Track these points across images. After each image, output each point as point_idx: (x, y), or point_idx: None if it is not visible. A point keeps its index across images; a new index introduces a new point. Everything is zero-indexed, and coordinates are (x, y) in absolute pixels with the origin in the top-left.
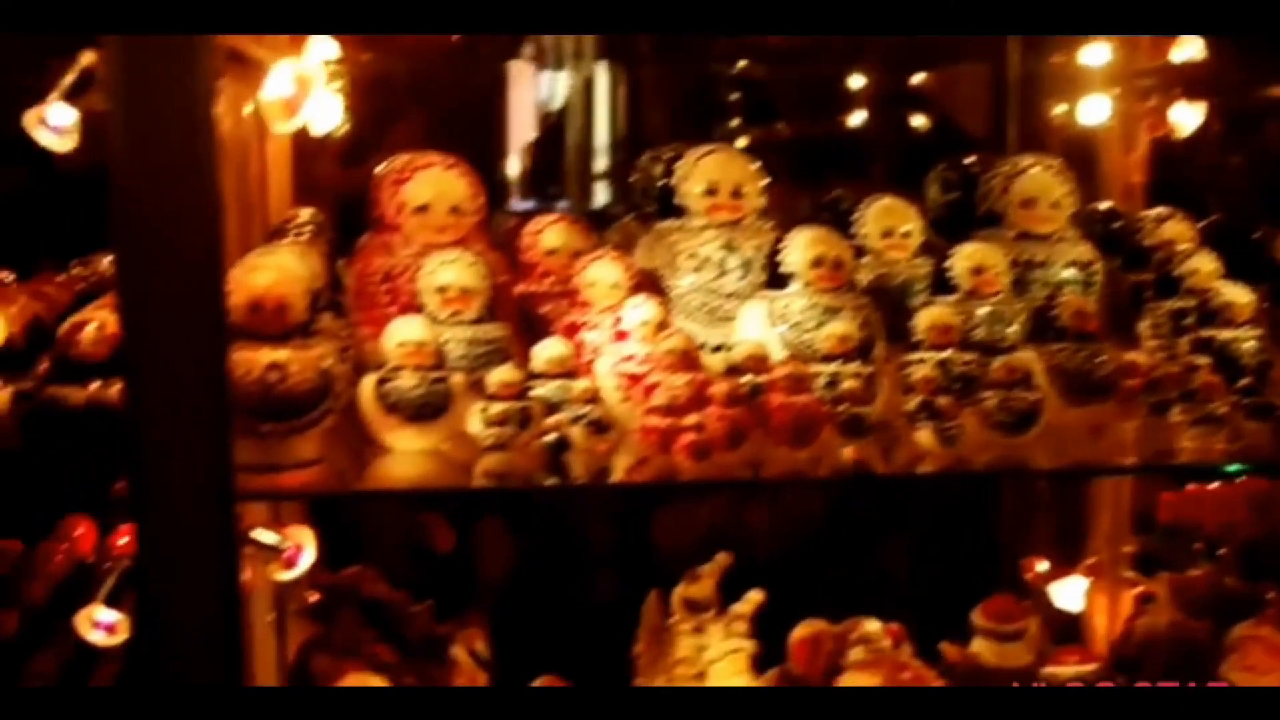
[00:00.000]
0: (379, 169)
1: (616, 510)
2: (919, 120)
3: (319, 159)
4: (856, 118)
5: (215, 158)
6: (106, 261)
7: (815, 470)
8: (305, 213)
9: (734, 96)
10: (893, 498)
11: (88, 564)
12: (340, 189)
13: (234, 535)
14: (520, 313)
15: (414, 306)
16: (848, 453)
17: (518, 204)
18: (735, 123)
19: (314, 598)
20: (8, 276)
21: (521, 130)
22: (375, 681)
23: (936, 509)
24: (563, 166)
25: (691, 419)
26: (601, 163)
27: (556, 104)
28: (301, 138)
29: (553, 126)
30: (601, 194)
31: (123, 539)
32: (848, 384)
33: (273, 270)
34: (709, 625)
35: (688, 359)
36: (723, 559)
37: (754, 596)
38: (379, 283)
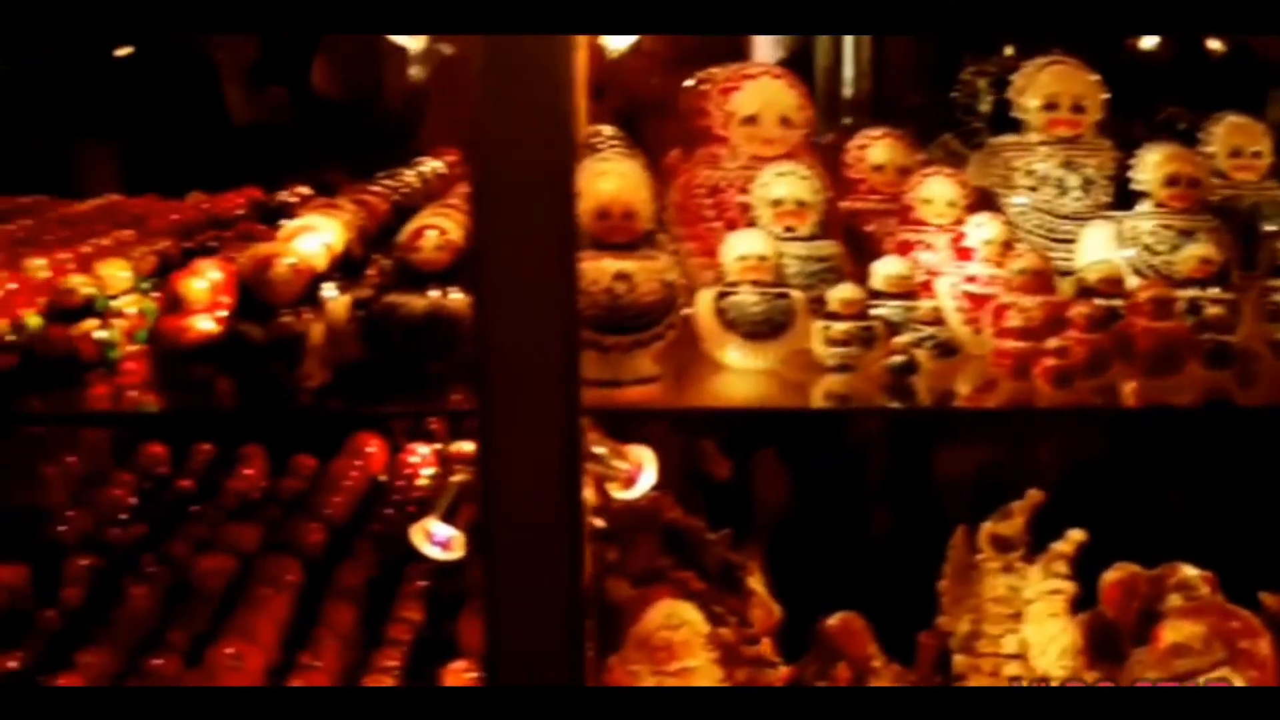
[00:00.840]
0: (695, 80)
1: (897, 440)
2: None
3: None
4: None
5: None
6: (413, 174)
7: (1173, 399)
8: (607, 129)
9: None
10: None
11: (379, 482)
12: (637, 103)
13: (579, 451)
14: (845, 230)
15: (741, 222)
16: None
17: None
18: None
19: (599, 522)
20: (305, 190)
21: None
22: (687, 609)
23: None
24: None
25: (1052, 343)
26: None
27: None
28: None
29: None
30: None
31: (413, 457)
32: (1211, 310)
33: (617, 176)
34: (1020, 564)
35: (1041, 280)
36: (1035, 496)
37: (1075, 536)
38: (704, 197)
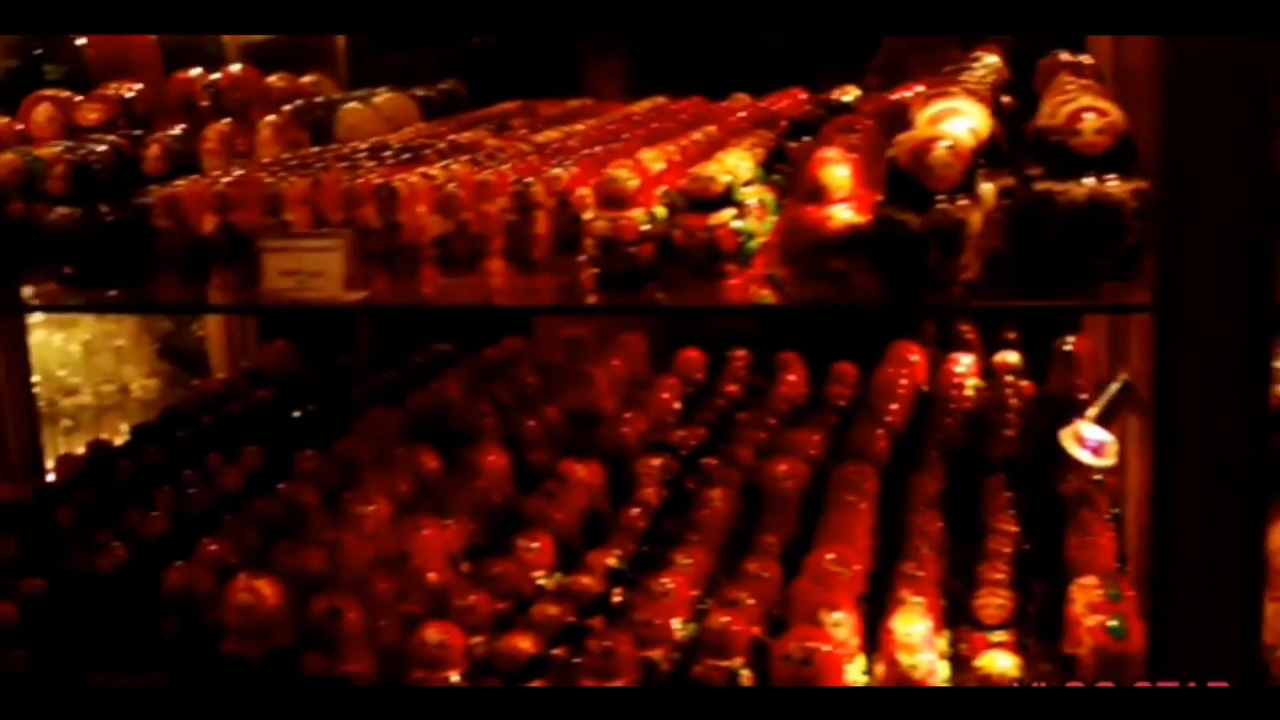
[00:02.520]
0: None
1: None
2: None
3: None
4: None
5: None
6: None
7: None
8: None
9: None
10: None
11: (924, 391)
12: None
13: (1268, 356)
14: None
15: None
16: None
17: None
18: None
19: None
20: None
21: None
22: None
23: None
24: None
25: None
26: None
27: None
28: None
29: None
30: None
31: (957, 366)
32: None
33: None
34: None
35: None
36: None
37: None
38: None
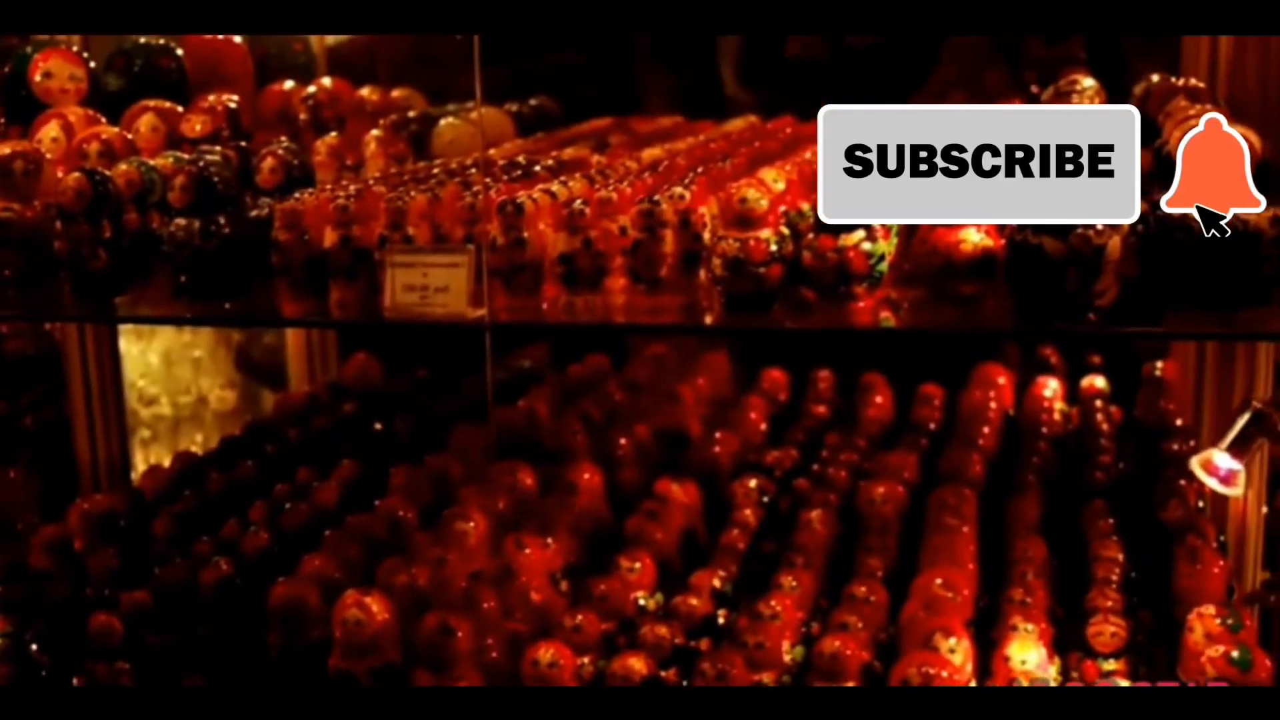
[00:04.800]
0: None
1: None
2: None
3: None
4: None
5: None
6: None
7: None
8: None
9: None
10: None
11: (1010, 415)
12: None
13: None
14: None
15: None
16: None
17: None
18: None
19: None
20: None
21: None
22: None
23: None
24: None
25: None
26: None
27: None
28: None
29: None
30: None
31: (1045, 390)
32: None
33: None
34: None
35: None
36: None
37: None
38: None
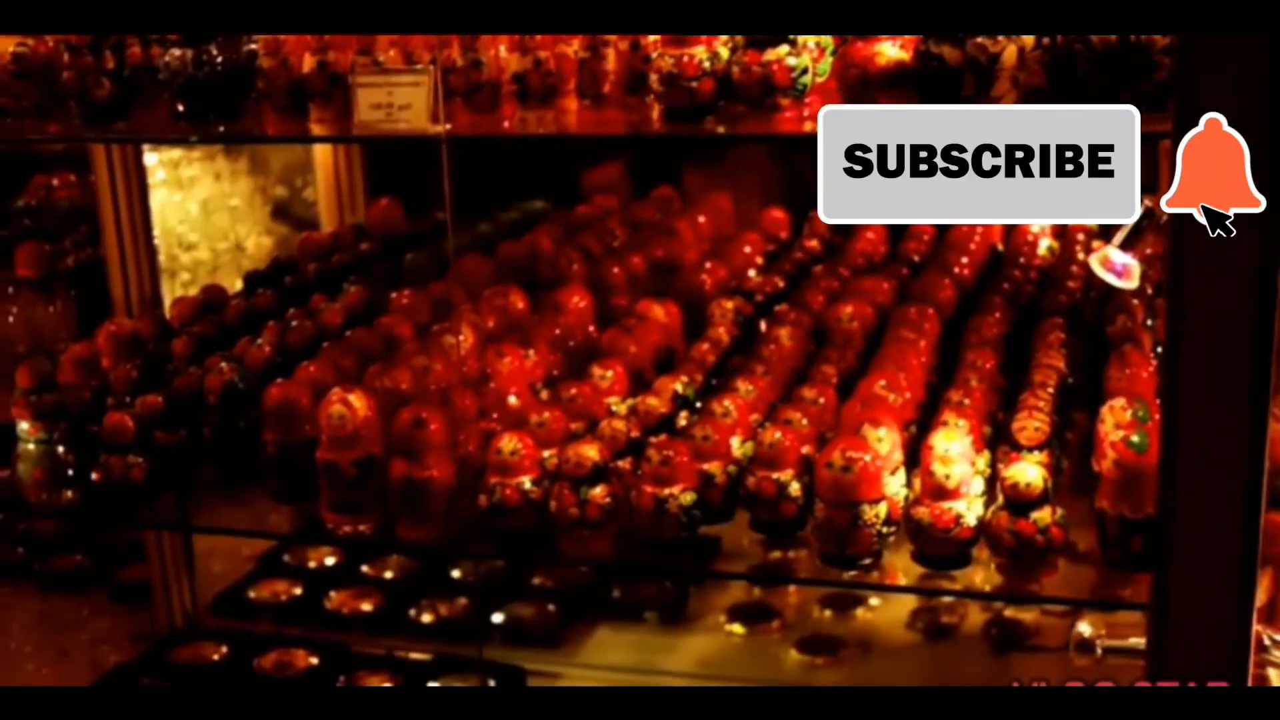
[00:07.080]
0: None
1: None
2: None
3: None
4: None
5: None
6: None
7: None
8: None
9: None
10: None
11: (998, 249)
12: None
13: None
14: None
15: None
16: None
17: None
18: None
19: None
20: None
21: None
22: None
23: None
24: None
25: None
26: None
27: None
28: None
29: None
30: None
31: (1033, 225)
32: None
33: None
34: None
35: None
36: None
37: None
38: None
